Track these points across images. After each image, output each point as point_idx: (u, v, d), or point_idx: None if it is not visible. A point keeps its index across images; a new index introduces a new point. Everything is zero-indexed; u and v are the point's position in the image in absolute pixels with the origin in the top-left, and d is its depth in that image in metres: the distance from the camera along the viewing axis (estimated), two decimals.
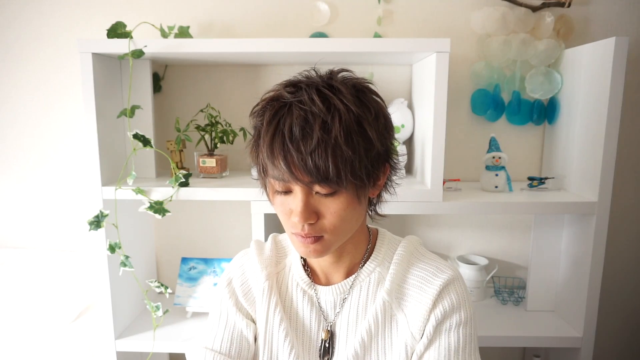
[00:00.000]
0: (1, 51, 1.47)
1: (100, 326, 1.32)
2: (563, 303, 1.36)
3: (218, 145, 1.32)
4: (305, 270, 0.85)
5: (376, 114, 0.70)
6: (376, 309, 0.78)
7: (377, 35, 1.42)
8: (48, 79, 1.47)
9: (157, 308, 1.26)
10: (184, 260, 1.46)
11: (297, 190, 0.69)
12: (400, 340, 0.78)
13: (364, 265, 0.82)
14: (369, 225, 0.87)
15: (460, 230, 1.53)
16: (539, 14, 1.38)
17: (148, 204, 1.19)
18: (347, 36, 1.42)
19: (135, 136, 1.17)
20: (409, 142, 1.42)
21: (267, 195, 0.76)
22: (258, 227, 1.22)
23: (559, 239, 1.36)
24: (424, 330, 0.76)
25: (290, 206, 0.71)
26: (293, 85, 0.70)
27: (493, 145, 1.32)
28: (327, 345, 0.81)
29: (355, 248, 0.82)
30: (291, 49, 1.13)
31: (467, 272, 1.44)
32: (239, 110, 1.46)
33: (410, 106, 1.41)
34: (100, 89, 1.18)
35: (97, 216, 1.18)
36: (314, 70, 0.74)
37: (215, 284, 1.42)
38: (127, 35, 1.18)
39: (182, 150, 1.34)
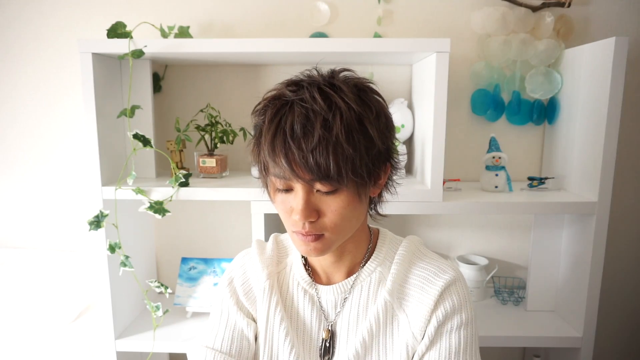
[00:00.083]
0: (1, 51, 1.47)
1: (100, 326, 1.32)
2: (563, 303, 1.36)
3: (218, 145, 1.32)
4: (307, 270, 0.85)
5: (377, 112, 0.70)
6: (377, 309, 0.78)
7: (377, 35, 1.42)
8: (48, 79, 1.47)
9: (157, 308, 1.26)
10: (184, 260, 1.46)
11: (298, 188, 0.69)
12: (401, 340, 0.78)
13: (365, 264, 0.82)
14: (370, 225, 0.87)
15: (460, 230, 1.53)
16: (539, 14, 1.38)
17: (148, 204, 1.19)
18: (347, 36, 1.42)
19: (135, 136, 1.17)
20: (409, 142, 1.42)
21: (268, 193, 0.76)
22: (258, 227, 1.22)
23: (559, 239, 1.36)
24: (425, 331, 0.76)
25: (291, 204, 0.71)
26: (295, 84, 0.70)
27: (493, 145, 1.32)
28: (327, 344, 0.81)
29: (356, 247, 0.81)
30: (291, 49, 1.13)
31: (467, 272, 1.44)
32: (239, 110, 1.46)
33: (410, 106, 1.41)
34: (100, 89, 1.18)
35: (97, 216, 1.18)
36: (316, 69, 0.74)
37: (215, 284, 1.42)
38: (127, 35, 1.18)
39: (182, 150, 1.34)
